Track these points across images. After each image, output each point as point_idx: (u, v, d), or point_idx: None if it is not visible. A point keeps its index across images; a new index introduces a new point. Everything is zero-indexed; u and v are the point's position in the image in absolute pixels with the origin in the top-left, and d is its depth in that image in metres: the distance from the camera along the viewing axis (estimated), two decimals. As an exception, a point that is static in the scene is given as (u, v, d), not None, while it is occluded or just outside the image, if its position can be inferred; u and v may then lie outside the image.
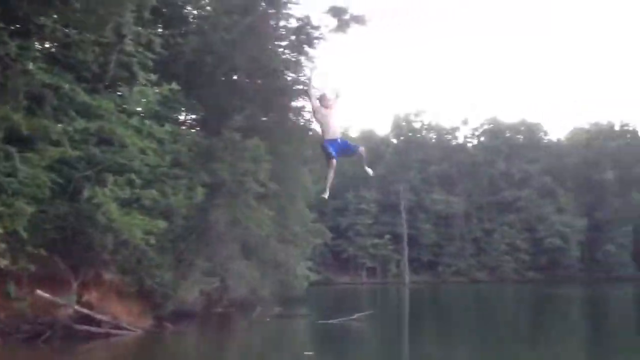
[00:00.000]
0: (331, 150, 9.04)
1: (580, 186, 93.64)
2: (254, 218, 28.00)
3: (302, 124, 34.58)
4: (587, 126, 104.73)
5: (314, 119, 9.97)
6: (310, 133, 34.29)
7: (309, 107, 31.78)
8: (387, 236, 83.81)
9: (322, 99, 9.39)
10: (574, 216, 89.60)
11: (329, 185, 9.36)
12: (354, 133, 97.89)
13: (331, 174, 9.22)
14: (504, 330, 27.08)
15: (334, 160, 9.04)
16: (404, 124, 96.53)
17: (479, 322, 31.58)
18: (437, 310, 39.15)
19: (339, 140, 9.27)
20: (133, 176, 20.98)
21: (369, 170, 10.49)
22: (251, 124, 28.94)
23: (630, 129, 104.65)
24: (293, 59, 32.19)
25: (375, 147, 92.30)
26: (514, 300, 51.17)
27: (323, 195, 9.76)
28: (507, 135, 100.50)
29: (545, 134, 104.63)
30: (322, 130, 9.19)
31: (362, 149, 9.81)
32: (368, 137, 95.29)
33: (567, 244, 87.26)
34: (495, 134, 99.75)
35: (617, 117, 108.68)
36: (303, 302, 39.19)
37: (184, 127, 29.29)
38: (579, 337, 24.81)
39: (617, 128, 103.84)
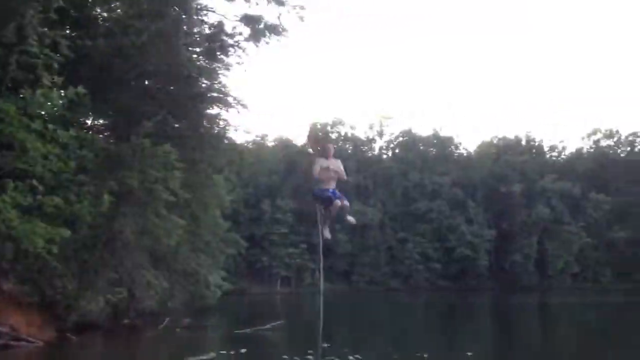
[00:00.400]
0: (330, 194, 10.44)
1: (488, 198, 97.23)
2: (164, 227, 27.37)
3: (216, 131, 34.07)
4: (495, 141, 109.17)
5: (317, 176, 10.82)
6: (226, 141, 33.93)
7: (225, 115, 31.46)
8: (303, 246, 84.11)
9: (323, 150, 10.93)
10: (483, 227, 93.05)
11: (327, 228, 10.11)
12: (270, 142, 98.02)
13: (333, 214, 10.60)
14: (414, 336, 27.73)
15: (338, 201, 10.39)
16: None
17: (390, 329, 32.10)
18: (350, 317, 39.52)
19: (331, 189, 10.60)
20: (35, 182, 20.12)
21: (351, 219, 11.36)
22: (162, 130, 28.29)
23: (536, 144, 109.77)
24: (207, 66, 31.75)
25: (292, 156, 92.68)
26: (424, 308, 52.43)
27: (327, 237, 10.58)
28: (421, 147, 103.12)
29: (456, 147, 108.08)
30: (322, 180, 10.50)
31: (346, 201, 11.08)
32: (285, 146, 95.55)
33: (476, 253, 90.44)
34: (409, 146, 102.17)
35: (524, 132, 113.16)
36: (215, 312, 38.69)
37: (90, 132, 28.31)
38: (483, 343, 25.73)
39: (523, 143, 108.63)
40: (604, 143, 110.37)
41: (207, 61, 32.02)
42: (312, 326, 34.22)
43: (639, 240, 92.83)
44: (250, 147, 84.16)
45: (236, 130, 32.35)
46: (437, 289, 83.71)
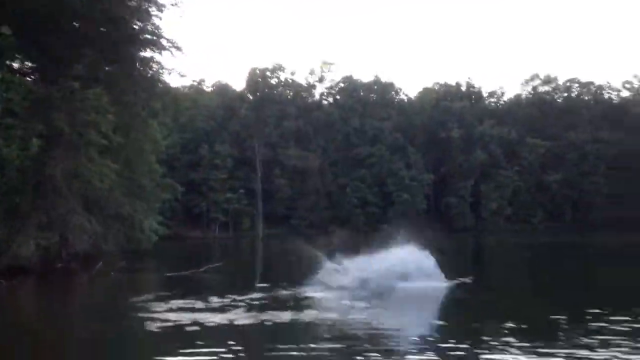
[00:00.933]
0: None
1: (428, 143, 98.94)
2: (96, 171, 27.25)
3: (149, 75, 33.53)
4: (435, 87, 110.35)
5: None
6: (160, 85, 33.51)
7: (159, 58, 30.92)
8: (241, 191, 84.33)
9: None
10: (422, 171, 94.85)
11: None
12: (208, 87, 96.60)
13: None
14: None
15: None
16: (259, 79, 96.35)
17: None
18: (288, 260, 40.29)
19: None
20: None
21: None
22: (93, 73, 27.85)
23: (476, 90, 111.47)
24: (140, 7, 31.01)
25: (231, 102, 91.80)
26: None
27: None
28: (362, 93, 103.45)
29: (397, 93, 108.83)
30: None
31: None
32: (223, 92, 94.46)
33: (414, 197, 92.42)
34: (350, 92, 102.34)
35: (464, 78, 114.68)
36: (152, 256, 38.76)
37: (18, 75, 27.59)
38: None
39: (463, 89, 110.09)
40: (542, 89, 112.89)
41: (139, 2, 31.30)
42: (249, 268, 34.93)
43: (570, 182, 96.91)
44: (187, 91, 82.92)
45: (170, 73, 31.89)
46: (375, 231, 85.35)
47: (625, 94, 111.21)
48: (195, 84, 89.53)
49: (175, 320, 13.77)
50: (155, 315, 14.67)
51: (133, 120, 32.39)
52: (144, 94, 33.01)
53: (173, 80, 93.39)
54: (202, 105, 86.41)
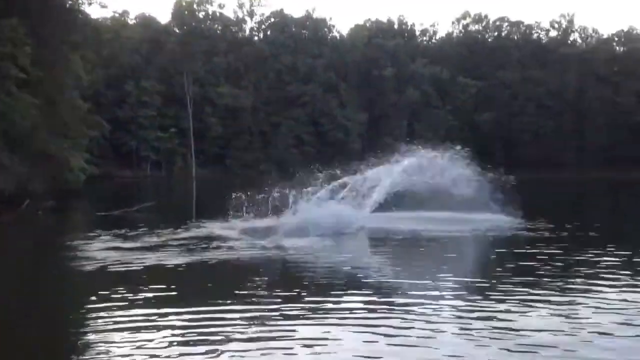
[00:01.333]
0: None
1: (361, 82, 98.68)
2: (16, 107, 25.63)
3: (68, 5, 31.57)
4: (368, 24, 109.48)
5: None
6: (80, 16, 31.65)
7: None
8: (172, 129, 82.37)
9: None
10: (356, 110, 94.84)
11: None
12: (131, 19, 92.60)
13: None
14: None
15: None
16: (186, 12, 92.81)
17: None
18: (221, 198, 39.72)
19: None
20: None
21: None
22: (8, 2, 25.89)
23: (408, 27, 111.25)
24: None
25: (156, 36, 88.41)
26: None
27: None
28: (293, 29, 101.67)
29: (330, 30, 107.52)
30: None
31: None
32: (148, 25, 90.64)
33: (349, 136, 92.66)
34: (281, 28, 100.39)
35: (396, 16, 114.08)
36: (81, 196, 37.45)
37: None
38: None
39: (395, 26, 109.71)
40: (472, 28, 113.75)
41: None
42: (182, 207, 34.18)
43: (500, 122, 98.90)
44: (109, 24, 79.04)
45: (90, 4, 30.04)
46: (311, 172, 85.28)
47: (553, 33, 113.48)
48: (117, 15, 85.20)
49: (105, 260, 13.10)
50: (86, 255, 13.95)
51: (53, 54, 30.52)
52: (63, 25, 31.15)
53: (93, 11, 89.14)
54: (125, 39, 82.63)
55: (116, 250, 14.52)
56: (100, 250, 14.52)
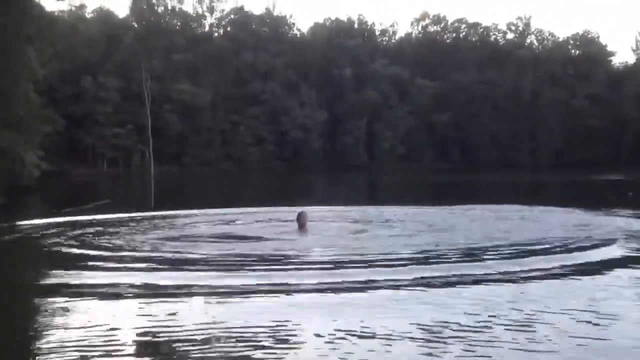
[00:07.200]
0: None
1: (321, 81, 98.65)
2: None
3: (23, -6, 30.60)
4: (327, 23, 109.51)
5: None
6: (35, 7, 30.66)
7: None
8: (130, 126, 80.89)
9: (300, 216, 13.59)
10: (315, 110, 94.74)
11: None
12: (89, 13, 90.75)
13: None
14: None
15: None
16: (145, 7, 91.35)
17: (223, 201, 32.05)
18: (181, 196, 39.09)
19: None
20: None
21: None
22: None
23: (368, 27, 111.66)
24: None
25: (114, 31, 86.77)
26: (256, 186, 53.10)
27: None
28: (254, 27, 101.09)
29: (290, 27, 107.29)
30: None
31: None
32: (106, 19, 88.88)
33: (308, 135, 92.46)
34: (242, 24, 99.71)
35: (356, 15, 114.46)
36: (34, 193, 36.34)
37: None
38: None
39: (356, 26, 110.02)
40: (431, 29, 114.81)
41: None
42: (138, 204, 33.39)
43: (458, 123, 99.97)
44: (65, 17, 77.19)
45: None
46: (270, 170, 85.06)
47: (510, 36, 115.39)
48: (74, 9, 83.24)
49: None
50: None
51: (5, 45, 29.49)
52: (16, 15, 30.15)
53: (49, 4, 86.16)
54: (82, 33, 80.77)
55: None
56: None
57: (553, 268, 8.94)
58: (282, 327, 6.03)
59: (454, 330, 5.84)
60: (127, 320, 6.57)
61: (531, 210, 18.79)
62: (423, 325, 6.02)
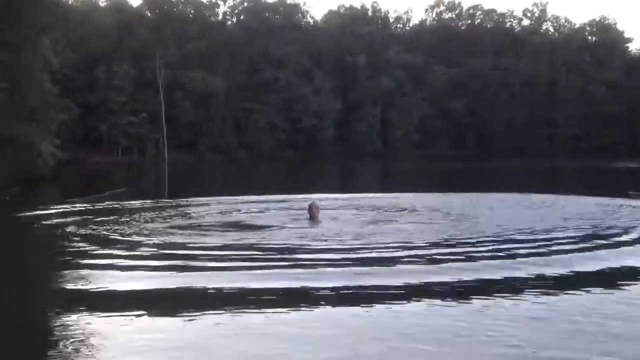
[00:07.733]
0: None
1: (335, 69, 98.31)
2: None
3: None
4: (341, 10, 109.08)
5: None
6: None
7: None
8: (144, 114, 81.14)
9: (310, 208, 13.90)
10: (329, 97, 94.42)
11: None
12: (102, 2, 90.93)
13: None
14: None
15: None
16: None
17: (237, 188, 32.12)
18: (195, 183, 39.31)
19: None
20: None
21: None
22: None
23: (382, 15, 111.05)
24: None
25: (128, 19, 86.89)
26: (268, 174, 53.15)
27: None
28: (267, 15, 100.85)
29: (303, 15, 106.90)
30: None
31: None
32: (119, 8, 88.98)
33: (322, 123, 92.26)
34: (255, 13, 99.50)
35: (370, 2, 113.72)
36: (51, 182, 36.60)
37: None
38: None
39: (370, 13, 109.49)
40: (446, 16, 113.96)
41: None
42: (154, 192, 33.57)
43: (473, 110, 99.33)
44: (78, 6, 77.44)
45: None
46: (283, 158, 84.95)
47: (525, 22, 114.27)
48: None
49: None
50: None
51: (20, 35, 29.60)
52: (30, 7, 30.22)
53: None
54: (96, 22, 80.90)
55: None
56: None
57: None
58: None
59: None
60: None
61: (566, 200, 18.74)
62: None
